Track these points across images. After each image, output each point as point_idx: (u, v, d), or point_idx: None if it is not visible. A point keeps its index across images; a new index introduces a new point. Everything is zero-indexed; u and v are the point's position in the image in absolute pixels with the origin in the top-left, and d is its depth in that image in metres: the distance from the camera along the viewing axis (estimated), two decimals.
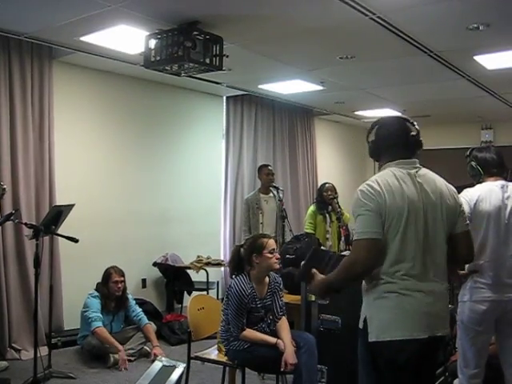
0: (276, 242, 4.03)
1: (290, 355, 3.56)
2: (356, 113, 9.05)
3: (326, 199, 6.34)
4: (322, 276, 2.56)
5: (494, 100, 7.49)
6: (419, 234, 2.36)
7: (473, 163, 3.41)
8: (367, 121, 9.48)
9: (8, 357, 5.07)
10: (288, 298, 4.30)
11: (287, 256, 5.24)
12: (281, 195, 6.32)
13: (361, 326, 2.44)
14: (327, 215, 6.39)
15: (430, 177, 2.51)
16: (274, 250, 3.80)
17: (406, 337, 2.29)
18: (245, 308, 3.68)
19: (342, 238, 6.17)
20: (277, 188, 6.41)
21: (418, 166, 2.51)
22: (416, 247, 2.34)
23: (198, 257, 6.81)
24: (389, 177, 2.42)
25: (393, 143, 2.52)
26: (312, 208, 6.51)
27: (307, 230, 6.30)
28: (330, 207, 6.35)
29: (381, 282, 2.35)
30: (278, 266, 3.84)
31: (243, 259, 3.82)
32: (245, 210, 6.67)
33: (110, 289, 5.30)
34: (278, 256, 3.85)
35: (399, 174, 2.44)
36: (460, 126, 9.62)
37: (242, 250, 3.90)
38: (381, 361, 2.36)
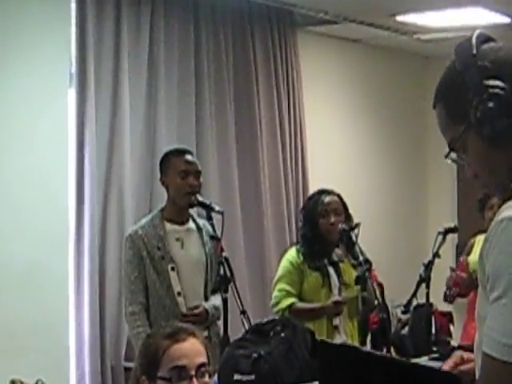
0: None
1: None
2: (399, 18, 6.48)
3: (325, 233, 4.31)
4: None
5: None
6: None
7: None
8: (424, 38, 6.98)
9: None
10: None
11: (237, 378, 3.64)
12: (216, 228, 4.12)
13: None
14: (331, 270, 4.33)
15: None
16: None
17: None
18: None
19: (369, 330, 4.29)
20: (208, 207, 4.10)
21: None
22: None
23: (13, 383, 4.77)
24: None
25: None
26: (293, 254, 4.39)
27: (280, 306, 4.26)
28: (336, 251, 4.43)
29: None
30: None
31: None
32: (129, 263, 4.06)
33: None
34: None
35: None
36: None
37: None
38: None
